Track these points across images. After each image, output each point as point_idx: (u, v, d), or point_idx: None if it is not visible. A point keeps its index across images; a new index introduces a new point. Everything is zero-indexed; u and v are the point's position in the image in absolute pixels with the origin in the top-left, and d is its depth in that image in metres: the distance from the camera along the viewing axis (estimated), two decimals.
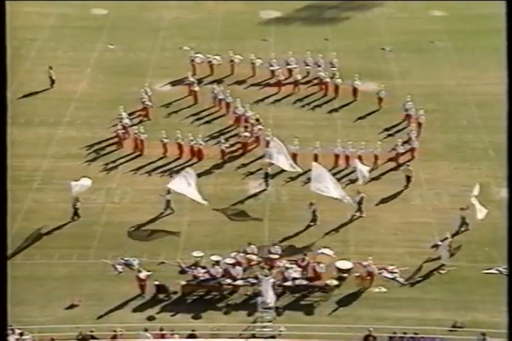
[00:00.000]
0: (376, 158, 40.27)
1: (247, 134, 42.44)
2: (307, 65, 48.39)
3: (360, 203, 36.66)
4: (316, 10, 59.16)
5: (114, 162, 41.20)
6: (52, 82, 48.31)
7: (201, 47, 51.40)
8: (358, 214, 36.87)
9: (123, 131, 42.58)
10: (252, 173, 40.17)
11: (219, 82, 48.01)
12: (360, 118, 44.98)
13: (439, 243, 34.13)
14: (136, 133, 42.02)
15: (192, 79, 47.07)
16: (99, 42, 54.07)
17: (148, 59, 51.90)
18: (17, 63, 47.72)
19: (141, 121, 44.32)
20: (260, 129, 42.67)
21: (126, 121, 43.25)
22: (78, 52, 52.18)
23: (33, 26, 55.57)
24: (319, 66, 48.15)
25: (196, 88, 46.58)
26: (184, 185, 35.50)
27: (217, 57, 49.37)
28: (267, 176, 38.69)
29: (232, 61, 49.18)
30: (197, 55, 49.65)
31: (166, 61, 51.61)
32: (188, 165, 40.50)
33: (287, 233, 35.74)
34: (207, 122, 44.65)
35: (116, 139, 42.74)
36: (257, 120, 43.41)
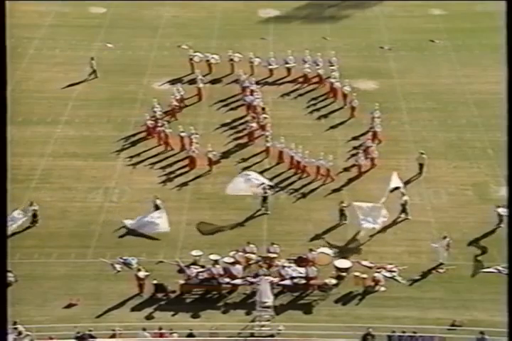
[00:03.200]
0: (328, 171, 39.10)
1: (253, 125, 42.50)
2: (306, 64, 48.23)
3: (404, 205, 36.38)
4: (315, 8, 59.05)
5: (113, 162, 41.14)
6: (93, 71, 48.54)
7: (200, 46, 51.31)
8: (403, 216, 36.56)
9: (153, 123, 42.63)
10: (247, 168, 40.07)
11: (218, 81, 47.98)
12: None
13: (437, 243, 33.90)
14: (162, 126, 42.09)
15: (201, 76, 46.94)
16: (97, 40, 53.93)
17: (147, 57, 51.80)
18: (14, 62, 47.56)
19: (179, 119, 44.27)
20: (266, 118, 42.83)
21: (159, 113, 43.34)
22: (76, 51, 52.03)
23: (30, 25, 55.41)
24: (318, 65, 48.04)
25: (201, 85, 46.47)
26: None
27: (215, 56, 49.26)
28: (264, 199, 37.55)
29: (231, 60, 49.06)
30: (195, 53, 49.55)
31: (164, 60, 51.52)
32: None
33: (288, 232, 35.74)
34: (210, 119, 44.68)
35: (137, 136, 42.92)
36: (263, 109, 43.69)
